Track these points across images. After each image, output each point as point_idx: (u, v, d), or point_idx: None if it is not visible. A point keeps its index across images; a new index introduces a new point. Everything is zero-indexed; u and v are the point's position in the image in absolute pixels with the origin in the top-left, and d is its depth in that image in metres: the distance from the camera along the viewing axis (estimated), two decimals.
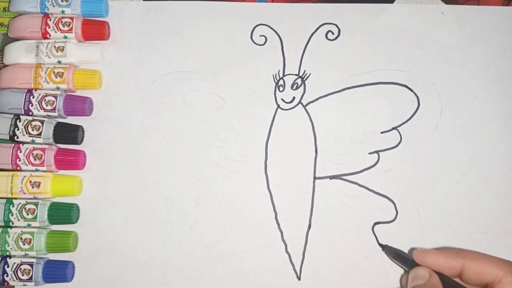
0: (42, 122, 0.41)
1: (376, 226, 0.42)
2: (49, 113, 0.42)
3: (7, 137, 0.41)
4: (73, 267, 0.41)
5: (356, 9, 0.46)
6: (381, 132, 0.43)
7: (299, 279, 0.41)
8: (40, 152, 0.41)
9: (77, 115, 0.43)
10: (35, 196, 0.41)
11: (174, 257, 0.41)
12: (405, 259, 0.38)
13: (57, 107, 0.42)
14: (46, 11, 0.44)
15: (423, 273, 0.35)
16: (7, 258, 0.40)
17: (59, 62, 0.43)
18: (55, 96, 0.42)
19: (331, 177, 0.43)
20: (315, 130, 0.43)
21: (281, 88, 0.44)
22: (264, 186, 0.42)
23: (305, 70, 0.44)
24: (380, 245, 0.41)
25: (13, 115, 0.42)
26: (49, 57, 0.43)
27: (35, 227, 0.40)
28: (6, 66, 0.43)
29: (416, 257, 0.36)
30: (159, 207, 0.42)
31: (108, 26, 0.45)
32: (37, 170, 0.41)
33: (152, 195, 0.42)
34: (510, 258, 0.41)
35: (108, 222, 0.42)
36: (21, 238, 0.39)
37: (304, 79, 0.44)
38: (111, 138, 0.43)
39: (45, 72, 0.42)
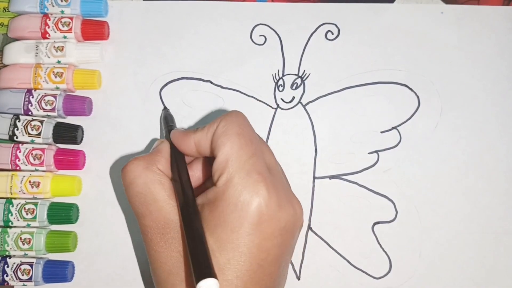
0: (41, 122, 0.41)
1: (376, 226, 0.42)
2: (49, 113, 0.42)
3: (7, 137, 0.41)
4: (73, 267, 0.41)
5: (355, 9, 0.46)
6: (381, 132, 0.43)
7: (299, 279, 0.41)
8: (39, 152, 0.41)
9: (77, 115, 0.43)
10: (35, 196, 0.41)
11: None
12: (167, 127, 0.40)
13: (56, 107, 0.42)
14: (46, 11, 0.44)
15: (155, 144, 0.37)
16: (7, 258, 0.40)
17: (58, 62, 0.43)
18: (55, 96, 0.42)
19: (331, 177, 0.43)
20: (315, 130, 0.43)
21: (280, 88, 0.44)
22: None
23: (304, 70, 0.44)
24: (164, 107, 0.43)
25: (12, 115, 0.42)
26: (49, 57, 0.43)
27: (34, 227, 0.40)
28: (5, 66, 0.43)
29: (171, 137, 0.36)
30: None
31: (108, 26, 0.45)
32: (36, 170, 0.41)
33: None
34: (510, 258, 0.41)
35: (107, 222, 0.42)
36: (21, 238, 0.39)
37: (304, 79, 0.44)
38: (111, 138, 0.43)
39: (45, 72, 0.42)
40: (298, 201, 0.33)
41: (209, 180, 0.36)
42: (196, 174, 0.36)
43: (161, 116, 0.43)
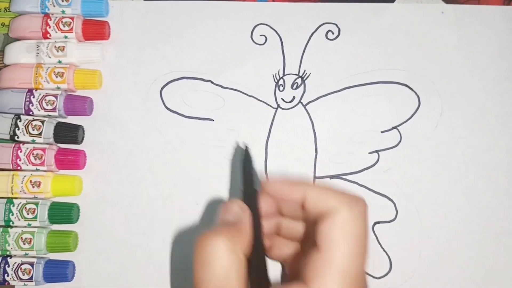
0: (42, 122, 0.41)
1: (376, 225, 0.42)
2: (50, 113, 0.42)
3: (8, 137, 0.41)
4: (74, 266, 0.41)
5: (356, 8, 0.46)
6: (381, 132, 0.43)
7: None
8: (40, 151, 0.41)
9: (77, 115, 0.43)
10: (36, 196, 0.41)
11: (174, 257, 0.41)
12: (247, 171, 0.34)
13: (57, 107, 0.42)
14: (47, 11, 0.44)
15: (233, 208, 0.31)
16: (8, 258, 0.40)
17: (59, 62, 0.43)
18: (56, 96, 0.42)
19: (331, 177, 0.43)
20: (315, 130, 0.43)
21: (281, 88, 0.44)
22: None
23: (305, 70, 0.44)
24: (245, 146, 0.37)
25: (13, 115, 0.42)
26: (50, 57, 0.43)
27: (35, 227, 0.40)
28: (6, 66, 0.43)
29: (265, 185, 0.32)
30: (159, 207, 0.42)
31: (108, 26, 0.45)
32: (37, 169, 0.41)
33: (152, 195, 0.42)
34: (510, 258, 0.41)
35: (108, 221, 0.42)
36: (22, 238, 0.40)
37: (304, 78, 0.44)
38: (111, 137, 0.43)
39: (46, 72, 0.42)
40: None
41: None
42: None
43: (243, 158, 0.37)
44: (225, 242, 0.28)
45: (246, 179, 0.34)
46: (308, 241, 0.32)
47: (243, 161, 0.36)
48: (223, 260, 0.28)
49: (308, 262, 0.28)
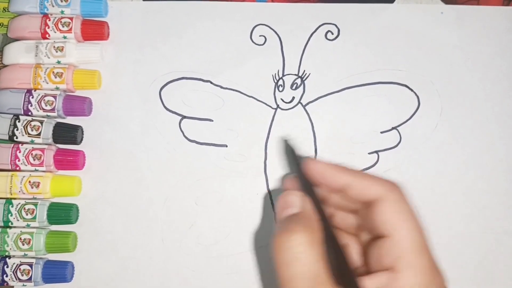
0: (41, 122, 0.41)
1: None
2: (49, 113, 0.42)
3: (6, 137, 0.41)
4: (73, 267, 0.41)
5: (355, 9, 0.46)
6: (381, 132, 0.43)
7: None
8: (39, 152, 0.41)
9: (76, 115, 0.43)
10: (34, 196, 0.41)
11: (173, 257, 0.41)
12: (295, 159, 0.33)
13: (56, 107, 0.42)
14: (46, 11, 0.44)
15: (294, 199, 0.30)
16: (7, 259, 0.40)
17: (58, 62, 0.43)
18: (55, 96, 0.42)
19: None
20: (315, 130, 0.43)
21: (280, 88, 0.44)
22: (264, 186, 0.42)
23: (304, 70, 0.44)
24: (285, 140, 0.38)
25: (12, 115, 0.42)
26: (49, 57, 0.43)
27: (34, 227, 0.40)
28: (5, 66, 0.43)
29: (308, 163, 0.31)
30: (158, 207, 0.42)
31: (108, 26, 0.45)
32: (36, 170, 0.41)
33: (152, 195, 0.42)
34: (510, 258, 0.41)
35: (107, 222, 0.42)
36: (20, 239, 0.39)
37: (304, 79, 0.44)
38: (111, 138, 0.43)
39: (45, 72, 0.42)
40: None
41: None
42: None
43: (286, 149, 0.38)
44: (304, 237, 0.28)
45: (298, 169, 0.32)
46: (360, 230, 0.32)
47: (290, 152, 0.35)
48: (307, 254, 0.27)
49: (382, 252, 0.29)
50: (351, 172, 0.31)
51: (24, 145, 0.41)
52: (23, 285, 0.39)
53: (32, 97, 0.42)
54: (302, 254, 0.27)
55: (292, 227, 0.28)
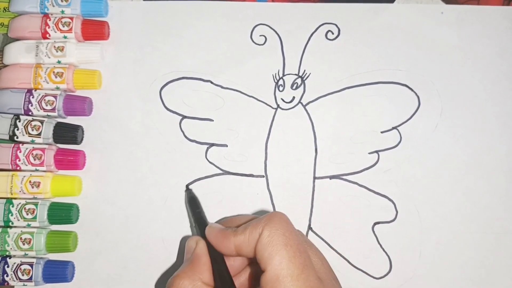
0: (41, 122, 0.41)
1: (376, 226, 0.42)
2: (49, 113, 0.42)
3: (7, 137, 0.41)
4: (73, 267, 0.41)
5: (356, 8, 0.46)
6: (381, 132, 0.43)
7: None
8: (39, 152, 0.41)
9: (77, 115, 0.43)
10: (35, 196, 0.41)
11: (173, 257, 0.41)
12: (194, 209, 0.39)
13: (56, 107, 0.42)
14: (46, 11, 0.44)
15: (191, 244, 0.35)
16: (7, 258, 0.40)
17: (58, 62, 0.43)
18: (55, 96, 0.42)
19: (331, 177, 0.43)
20: (315, 130, 0.43)
21: (281, 88, 0.44)
22: (264, 186, 0.42)
23: (305, 70, 0.44)
24: (186, 186, 0.42)
25: (13, 115, 0.42)
26: (49, 57, 0.43)
27: (34, 227, 0.40)
28: (6, 66, 0.43)
29: (206, 233, 0.35)
30: (158, 207, 0.42)
31: (108, 26, 0.45)
32: (36, 170, 0.41)
33: (152, 195, 0.42)
34: (510, 258, 0.41)
35: (107, 222, 0.42)
36: (21, 238, 0.39)
37: (304, 78, 0.44)
38: (111, 138, 0.43)
39: (45, 72, 0.42)
40: None
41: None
42: (241, 279, 0.36)
43: (185, 198, 0.41)
44: (187, 280, 0.32)
45: (196, 217, 0.38)
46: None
47: (189, 202, 0.40)
48: None
49: (263, 285, 0.31)
50: (232, 236, 0.33)
51: (25, 145, 0.41)
52: (24, 285, 0.40)
53: (33, 97, 0.42)
54: None
55: (179, 273, 0.33)
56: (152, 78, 0.44)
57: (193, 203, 0.40)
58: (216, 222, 0.39)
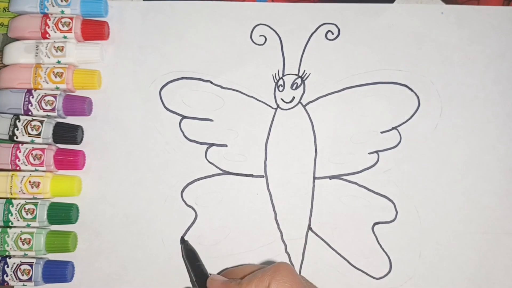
0: (41, 122, 0.41)
1: (376, 226, 0.42)
2: (49, 113, 0.42)
3: (7, 137, 0.41)
4: (73, 267, 0.41)
5: (356, 9, 0.46)
6: (381, 132, 0.43)
7: None
8: (39, 152, 0.41)
9: (77, 115, 0.43)
10: (35, 196, 0.41)
11: (173, 257, 0.41)
12: (193, 262, 0.38)
13: (56, 107, 0.42)
14: (46, 11, 0.44)
15: None
16: (7, 258, 0.40)
17: (58, 62, 0.43)
18: (55, 96, 0.42)
19: (331, 177, 0.43)
20: (315, 130, 0.43)
21: (280, 88, 0.44)
22: (264, 186, 0.42)
23: (304, 70, 0.44)
24: (181, 238, 0.41)
25: (12, 115, 0.42)
26: (49, 57, 0.43)
27: (34, 227, 0.40)
28: (5, 66, 0.43)
29: (208, 282, 0.35)
30: (158, 207, 0.42)
31: (108, 26, 0.45)
32: (36, 170, 0.41)
33: (152, 195, 0.42)
34: (510, 258, 0.41)
35: (107, 222, 0.42)
36: (21, 238, 0.39)
37: (304, 79, 0.44)
38: (111, 138, 0.43)
39: (45, 72, 0.42)
40: None
41: None
42: None
43: (182, 252, 0.41)
44: None
45: (196, 271, 0.37)
46: None
47: (186, 255, 0.39)
48: None
49: None
50: (242, 285, 0.32)
51: (24, 145, 0.41)
52: (24, 285, 0.40)
53: (32, 97, 0.42)
54: None
55: None
56: (152, 78, 0.44)
57: (191, 256, 0.39)
58: (217, 273, 0.38)
